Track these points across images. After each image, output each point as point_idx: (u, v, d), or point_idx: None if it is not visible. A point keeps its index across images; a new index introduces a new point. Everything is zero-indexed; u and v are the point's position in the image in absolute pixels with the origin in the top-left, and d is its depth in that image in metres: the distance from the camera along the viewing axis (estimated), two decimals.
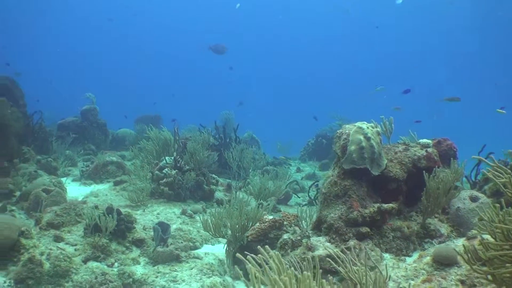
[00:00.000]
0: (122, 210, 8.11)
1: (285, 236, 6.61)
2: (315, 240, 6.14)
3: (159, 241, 7.41)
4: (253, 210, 7.33)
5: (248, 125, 21.86)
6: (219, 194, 11.43)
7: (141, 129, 20.50)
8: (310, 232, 6.50)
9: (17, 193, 10.56)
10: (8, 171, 11.24)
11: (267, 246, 3.11)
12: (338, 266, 3.55)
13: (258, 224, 7.32)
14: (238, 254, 3.16)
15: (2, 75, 16.05)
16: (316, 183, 13.82)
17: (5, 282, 6.35)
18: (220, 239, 8.74)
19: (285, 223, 7.32)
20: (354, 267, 3.35)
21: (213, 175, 11.79)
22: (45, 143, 15.84)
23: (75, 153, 16.23)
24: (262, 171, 14.39)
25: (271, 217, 7.53)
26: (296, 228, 6.91)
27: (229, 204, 10.51)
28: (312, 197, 12.57)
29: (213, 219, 7.43)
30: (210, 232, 7.54)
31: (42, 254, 6.83)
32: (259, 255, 2.96)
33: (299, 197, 13.60)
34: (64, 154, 15.19)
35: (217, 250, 8.14)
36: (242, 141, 15.71)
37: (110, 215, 7.45)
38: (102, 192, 11.23)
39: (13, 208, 9.65)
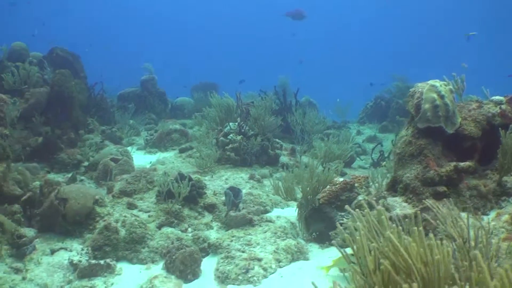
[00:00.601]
0: (191, 176, 8.15)
1: (360, 197, 6.55)
2: (391, 200, 6.02)
3: (231, 206, 7.42)
4: (324, 172, 7.25)
5: (304, 89, 21.57)
6: (283, 159, 11.38)
7: (199, 97, 20.53)
8: (385, 193, 6.39)
9: (85, 163, 10.74)
10: (75, 142, 11.44)
11: (371, 200, 3.04)
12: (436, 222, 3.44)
13: (328, 186, 7.24)
14: (346, 206, 3.13)
15: (64, 49, 16.24)
16: (378, 145, 13.64)
17: (82, 249, 6.48)
18: (289, 202, 8.73)
19: (356, 184, 7.23)
20: (454, 222, 3.25)
21: (277, 140, 11.73)
22: (107, 113, 16.06)
23: (138, 122, 16.40)
24: (324, 135, 14.24)
25: (341, 179, 7.44)
26: (370, 189, 6.82)
27: (297, 167, 10.51)
28: (375, 159, 12.40)
29: (284, 183, 7.40)
30: (281, 196, 7.53)
31: (117, 221, 6.95)
32: (366, 210, 2.88)
33: (362, 160, 13.46)
34: (128, 123, 15.35)
35: (288, 213, 8.10)
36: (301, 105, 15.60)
37: (182, 181, 7.50)
38: (169, 160, 11.34)
39: (82, 178, 9.84)
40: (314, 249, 6.79)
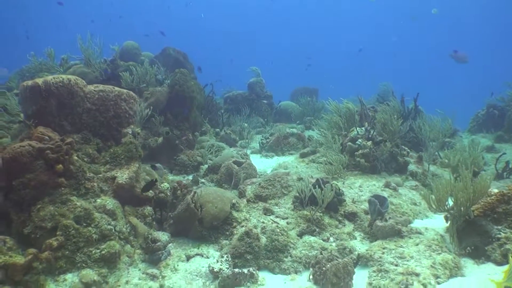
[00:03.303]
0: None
1: None
2: None
3: (376, 215, 6.92)
4: (480, 181, 6.63)
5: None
6: (411, 167, 10.74)
7: (306, 101, 20.18)
8: None
9: (204, 166, 10.50)
10: (193, 144, 11.24)
11: None
12: None
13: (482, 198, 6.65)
14: None
15: (176, 49, 16.25)
16: (503, 155, 12.82)
17: (222, 256, 6.15)
18: (428, 213, 8.22)
19: None
20: None
21: (404, 147, 11.10)
22: (215, 116, 15.90)
23: (251, 126, 16.14)
24: (440, 143, 13.51)
25: (495, 190, 6.83)
26: None
27: (425, 176, 9.94)
28: (500, 170, 11.60)
29: (436, 192, 6.83)
30: (433, 206, 6.96)
31: (255, 227, 6.60)
32: None
33: (484, 170, 12.64)
34: (243, 126, 15.11)
35: (430, 224, 7.53)
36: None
37: (325, 186, 7.06)
38: (291, 164, 10.93)
39: (203, 180, 9.57)
40: (468, 265, 6.19)
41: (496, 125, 18.96)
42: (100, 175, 6.82)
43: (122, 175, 6.85)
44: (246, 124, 15.41)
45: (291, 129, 13.63)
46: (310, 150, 11.81)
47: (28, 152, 6.09)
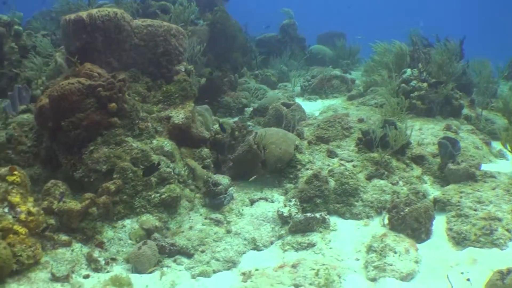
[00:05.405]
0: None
1: None
2: None
3: (448, 158, 6.62)
4: None
5: None
6: (464, 111, 10.31)
7: (342, 45, 19.71)
8: None
9: (249, 109, 10.22)
10: (235, 86, 10.90)
11: None
12: None
13: None
14: None
15: None
16: None
17: (289, 200, 5.93)
18: (490, 157, 7.95)
19: None
20: None
21: (456, 90, 10.65)
22: (249, 59, 15.49)
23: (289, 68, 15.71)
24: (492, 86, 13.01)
25: None
26: None
27: (478, 121, 9.61)
28: None
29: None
30: (508, 149, 6.66)
31: (321, 170, 6.33)
32: None
33: None
34: (281, 69, 14.72)
35: (497, 168, 7.23)
36: None
37: (392, 127, 6.74)
38: (339, 107, 10.50)
39: (249, 123, 9.27)
40: None
41: None
42: (153, 115, 6.59)
43: (178, 115, 6.59)
44: (283, 67, 14.98)
45: (334, 72, 13.22)
46: (358, 92, 11.42)
47: (78, 90, 5.82)
